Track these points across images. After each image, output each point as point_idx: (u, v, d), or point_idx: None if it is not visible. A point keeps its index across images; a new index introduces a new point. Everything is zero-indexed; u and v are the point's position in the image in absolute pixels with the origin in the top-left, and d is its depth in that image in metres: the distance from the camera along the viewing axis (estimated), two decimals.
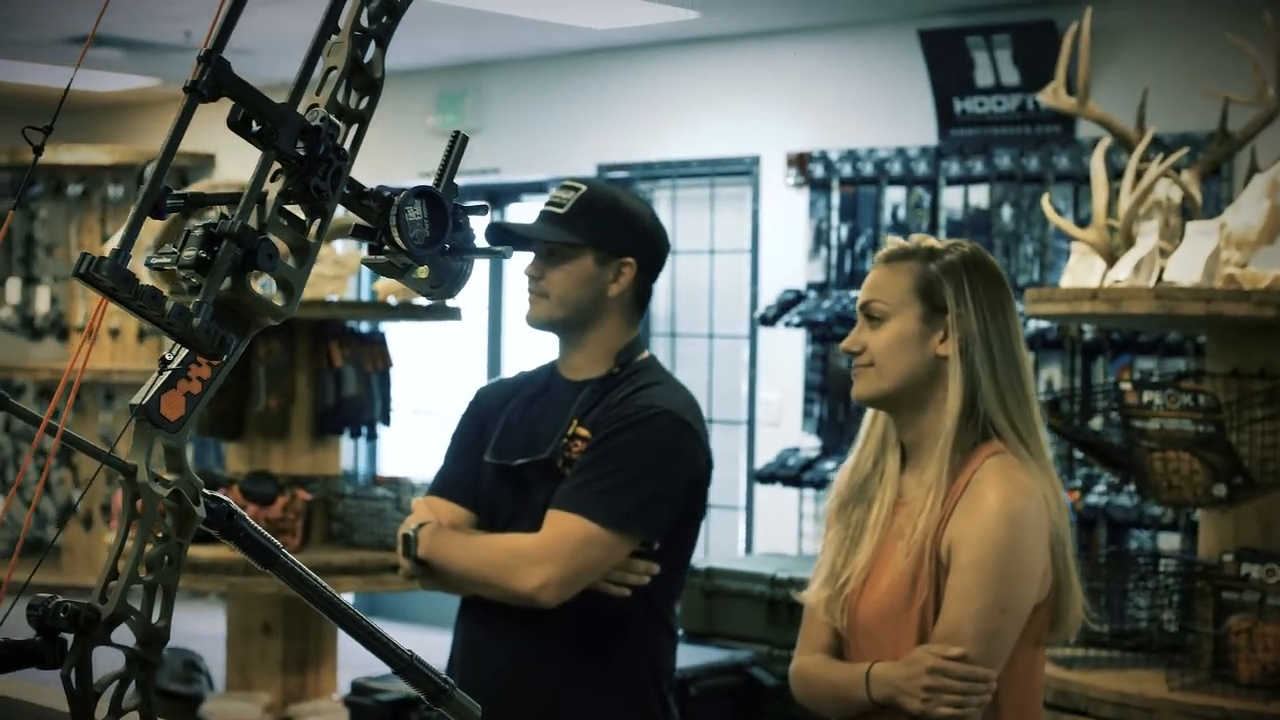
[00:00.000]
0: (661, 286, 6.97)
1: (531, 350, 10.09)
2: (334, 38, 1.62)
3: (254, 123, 1.56)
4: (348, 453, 10.15)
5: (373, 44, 1.63)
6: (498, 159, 8.46)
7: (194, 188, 6.31)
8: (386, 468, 11.07)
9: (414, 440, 10.14)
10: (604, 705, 3.51)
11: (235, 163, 11.48)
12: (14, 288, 12.03)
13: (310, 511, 6.38)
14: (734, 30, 9.06)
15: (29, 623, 1.52)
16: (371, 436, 6.66)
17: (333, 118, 1.59)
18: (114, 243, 1.43)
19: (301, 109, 1.58)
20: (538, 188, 10.02)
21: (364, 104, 1.63)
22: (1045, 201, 5.20)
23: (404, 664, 1.70)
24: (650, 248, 3.60)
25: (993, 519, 2.98)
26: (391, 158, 9.62)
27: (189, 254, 1.52)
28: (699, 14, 8.63)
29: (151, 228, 6.65)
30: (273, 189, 1.57)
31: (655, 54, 9.53)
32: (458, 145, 1.69)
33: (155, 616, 1.51)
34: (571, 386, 3.59)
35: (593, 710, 3.50)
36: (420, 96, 10.31)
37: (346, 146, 1.60)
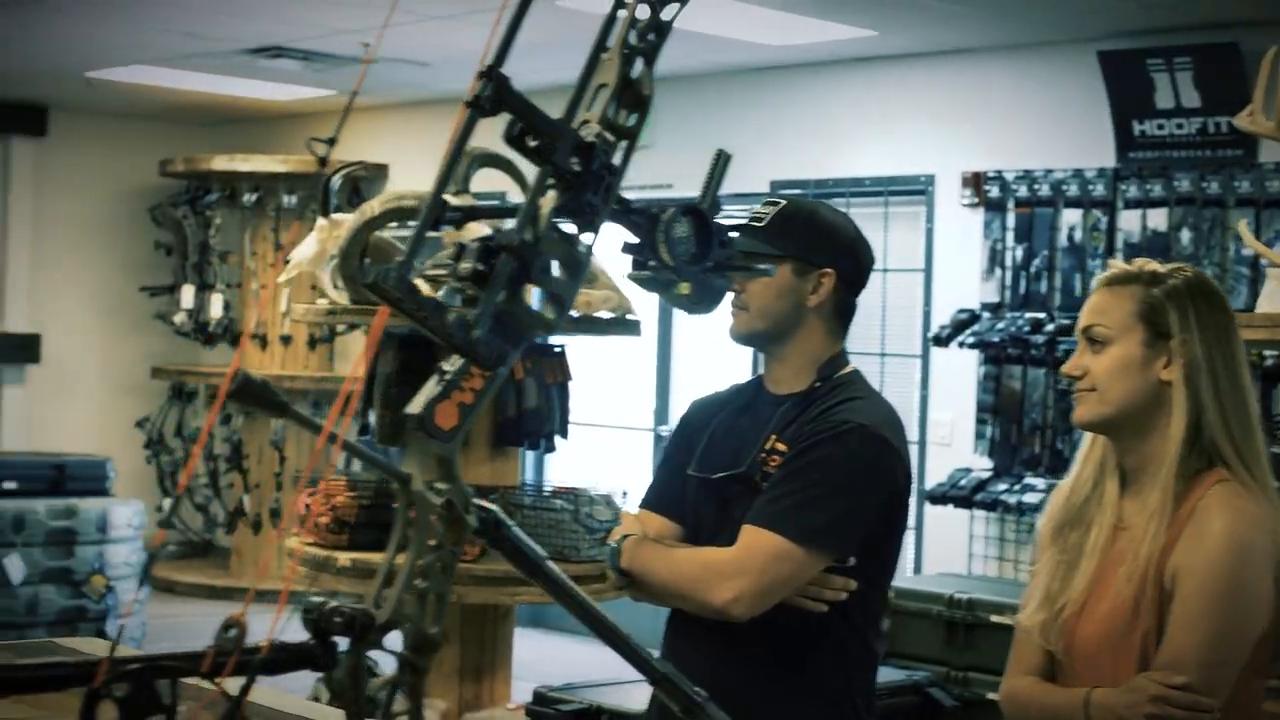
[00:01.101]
0: None
1: (703, 366, 10.19)
2: (604, 55, 1.63)
3: (530, 138, 1.57)
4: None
5: (641, 61, 1.64)
6: (670, 175, 8.43)
7: (383, 199, 6.37)
8: (553, 479, 11.11)
9: (582, 452, 10.17)
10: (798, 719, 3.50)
11: (406, 174, 11.59)
12: (188, 294, 12.22)
13: None
14: (911, 49, 9.03)
15: (304, 626, 1.55)
16: (550, 448, 6.68)
17: (605, 134, 1.60)
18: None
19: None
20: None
21: (633, 120, 1.64)
22: (1242, 226, 5.15)
23: (659, 676, 1.71)
24: (850, 259, 3.59)
25: (1219, 547, 2.95)
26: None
27: (466, 266, 1.53)
28: (877, 33, 8.61)
29: (334, 237, 6.74)
30: (546, 203, 1.58)
31: (831, 71, 9.52)
32: (721, 163, 1.70)
33: (428, 623, 1.53)
34: (774, 400, 3.59)
35: None
36: None
37: (616, 162, 1.61)
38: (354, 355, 12.07)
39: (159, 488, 12.53)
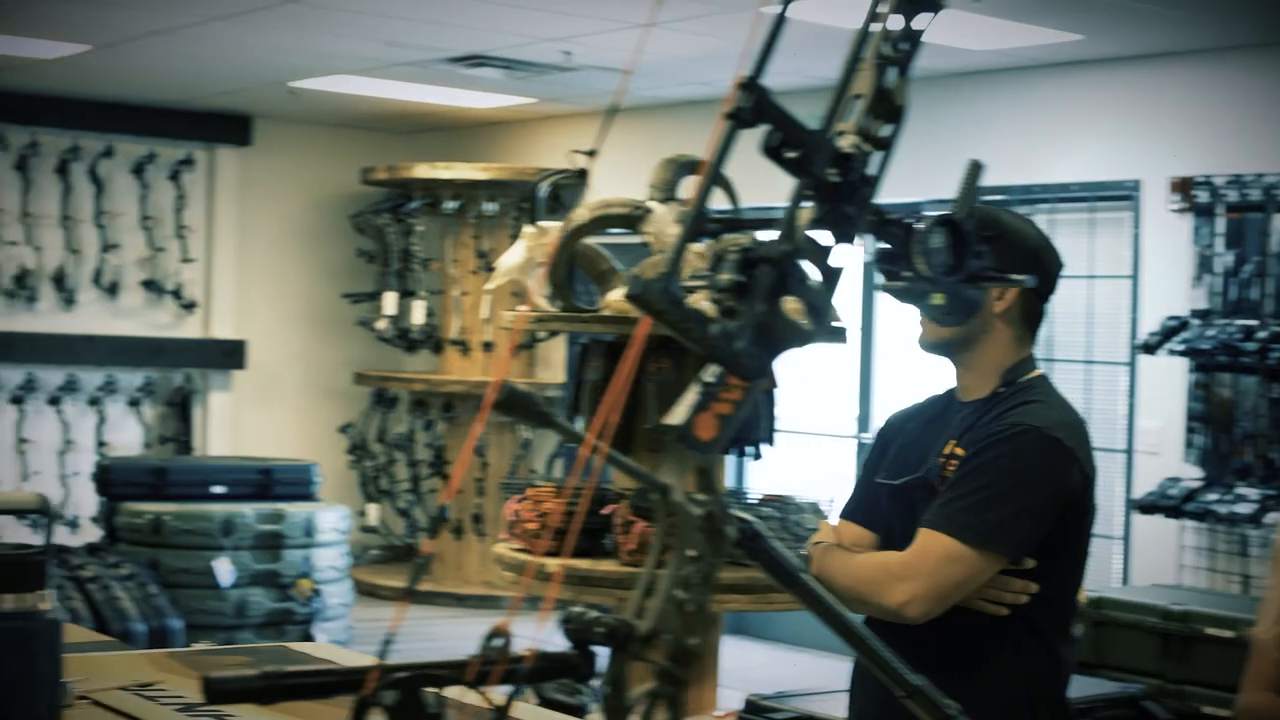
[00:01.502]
0: None
1: (905, 373, 10.14)
2: (859, 65, 1.63)
3: (788, 149, 1.57)
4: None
5: (894, 71, 1.64)
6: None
7: (590, 206, 6.40)
8: (755, 486, 11.11)
9: (784, 460, 10.15)
10: None
11: (607, 181, 11.61)
12: (390, 300, 12.36)
13: None
14: (1117, 53, 8.92)
15: (564, 635, 1.55)
16: (757, 456, 6.67)
17: (862, 145, 1.59)
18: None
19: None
20: (913, 209, 9.97)
21: (888, 131, 1.63)
22: None
23: (912, 689, 1.70)
24: (1036, 266, 3.57)
25: None
26: (759, 179, 9.66)
27: (726, 277, 1.53)
28: (1083, 36, 8.52)
29: (541, 244, 6.77)
30: (803, 214, 1.58)
31: (1035, 76, 9.43)
32: (974, 172, 1.69)
33: (688, 634, 1.53)
34: (960, 408, 3.60)
35: None
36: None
37: (872, 173, 1.61)
38: (555, 362, 12.14)
39: (361, 492, 12.69)
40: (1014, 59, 9.22)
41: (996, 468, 3.43)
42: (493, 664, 1.48)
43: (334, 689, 1.47)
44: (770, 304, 1.54)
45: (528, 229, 6.88)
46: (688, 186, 6.23)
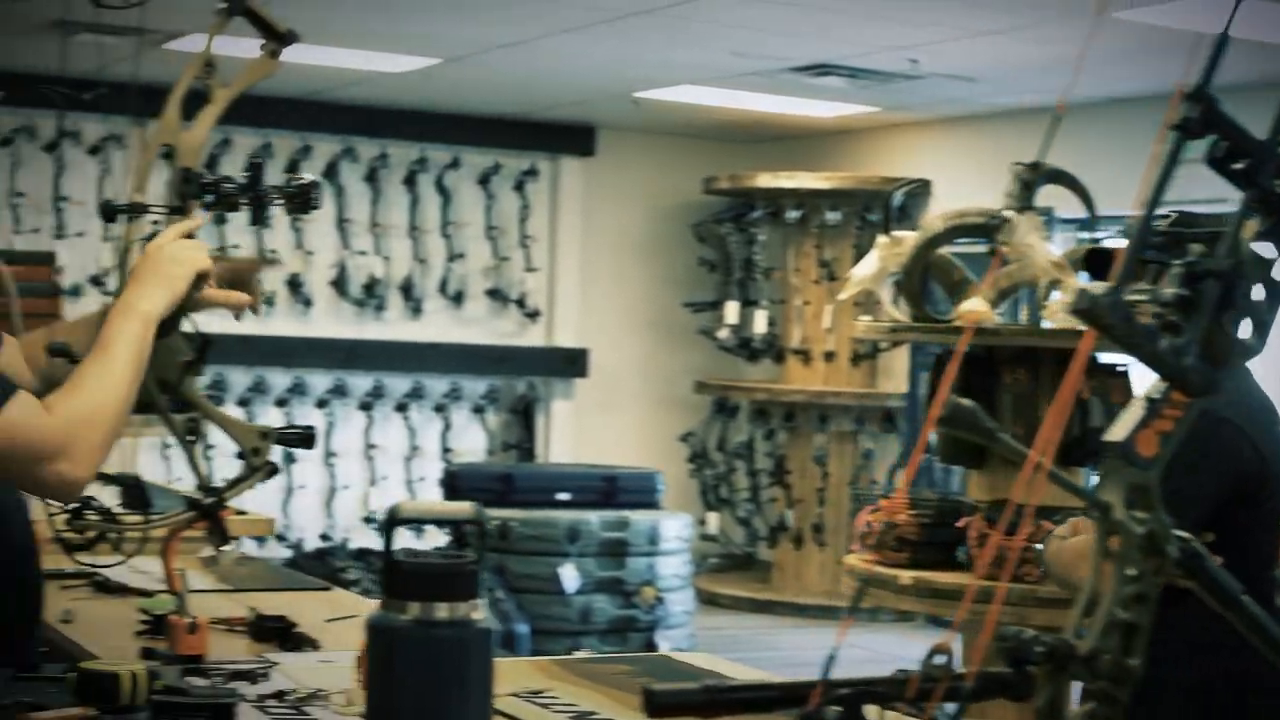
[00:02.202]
0: None
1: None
2: None
3: (1234, 161, 1.52)
4: None
5: None
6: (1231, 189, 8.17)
7: (945, 216, 6.35)
8: None
9: None
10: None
11: (950, 190, 11.52)
12: (732, 309, 12.41)
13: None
14: None
15: (999, 654, 1.53)
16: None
17: None
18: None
19: None
20: None
21: None
22: None
23: None
24: None
25: None
26: (1114, 183, 9.47)
27: (1170, 291, 1.50)
28: None
29: (894, 254, 6.73)
30: (1249, 227, 1.54)
31: None
32: None
33: (1127, 655, 1.50)
34: None
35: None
36: (1143, 124, 10.11)
37: None
38: (897, 372, 12.07)
39: (702, 501, 12.75)
40: None
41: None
42: (934, 682, 1.47)
43: (776, 704, 1.47)
44: (1215, 319, 1.50)
45: (881, 239, 6.85)
46: (1043, 195, 6.14)
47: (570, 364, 12.93)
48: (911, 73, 9.80)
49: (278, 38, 3.06)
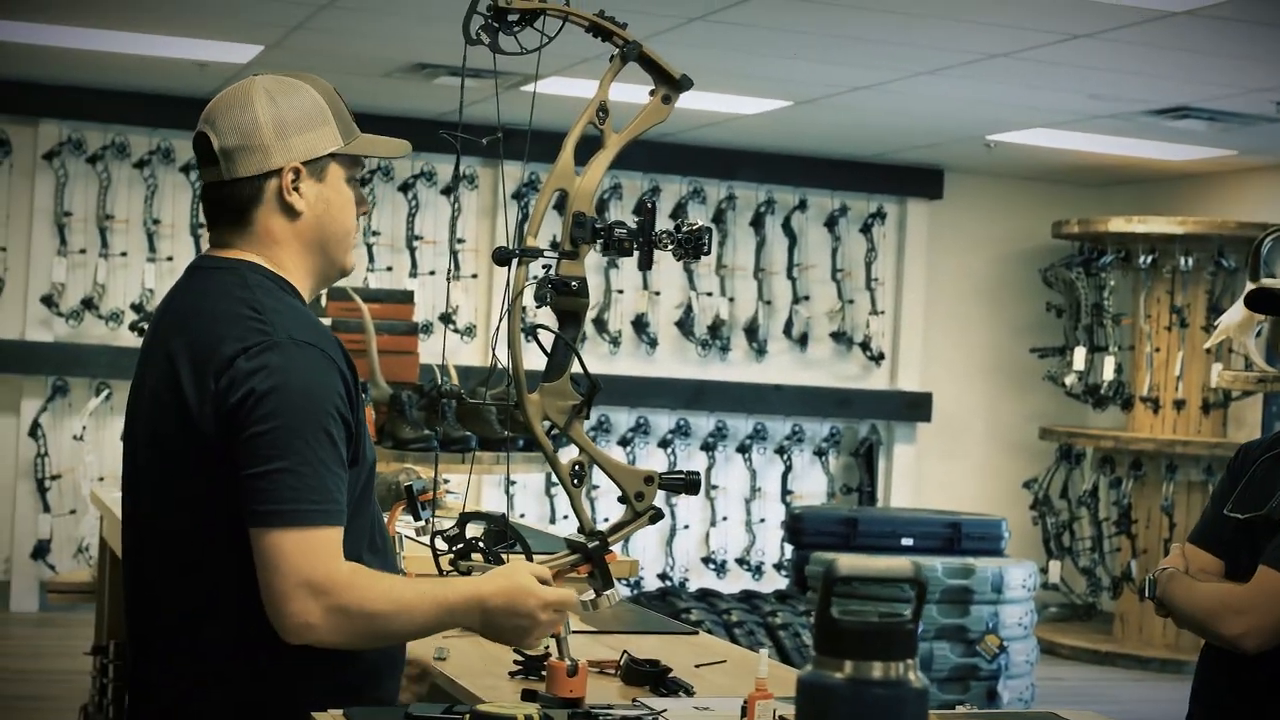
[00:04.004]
0: None
1: None
2: None
3: None
4: None
5: None
6: None
7: None
8: None
9: None
10: None
11: None
12: (1080, 355, 12.20)
13: None
14: None
15: None
16: None
17: None
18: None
19: None
20: None
21: None
22: None
23: None
24: None
25: None
26: None
27: None
28: None
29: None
30: None
31: None
32: None
33: None
34: None
35: None
36: None
37: None
38: (1248, 421, 11.77)
39: (1044, 549, 12.55)
40: None
41: None
42: None
43: None
44: None
45: (1250, 286, 6.68)
46: None
47: (913, 408, 12.84)
48: (1274, 115, 9.55)
49: (672, 84, 3.07)
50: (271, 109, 2.93)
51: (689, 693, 3.39)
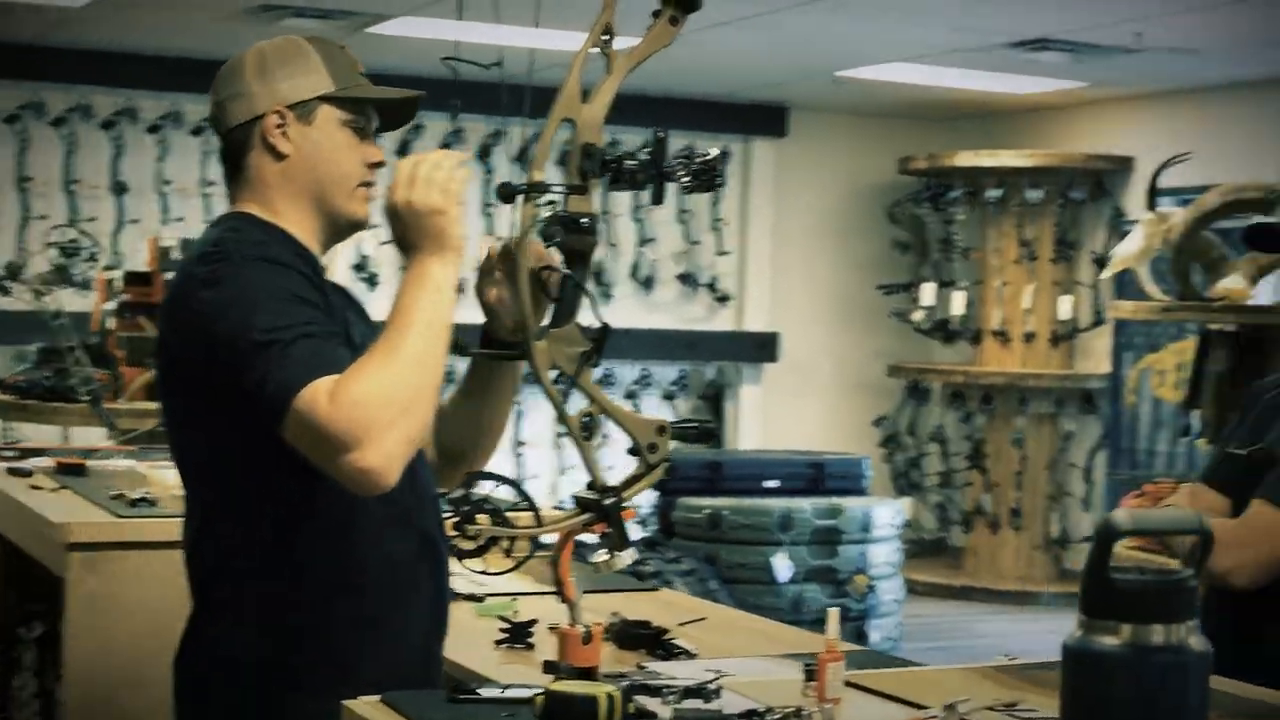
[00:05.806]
0: None
1: None
2: None
3: None
4: None
5: None
6: None
7: (1221, 191, 6.12)
8: None
9: None
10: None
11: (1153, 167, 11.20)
12: (928, 291, 12.16)
13: None
14: None
15: None
16: None
17: None
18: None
19: None
20: None
21: None
22: None
23: None
24: None
25: None
26: None
27: None
28: None
29: (1160, 232, 6.51)
30: None
31: None
32: None
33: None
34: None
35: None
36: None
37: None
38: (1096, 352, 11.81)
39: (893, 485, 12.53)
40: None
41: None
42: None
43: None
44: None
45: (1146, 216, 6.66)
46: None
47: (760, 349, 12.70)
48: (1133, 46, 9.51)
49: (681, 3, 2.88)
50: (258, 60, 2.95)
51: (690, 655, 3.20)
